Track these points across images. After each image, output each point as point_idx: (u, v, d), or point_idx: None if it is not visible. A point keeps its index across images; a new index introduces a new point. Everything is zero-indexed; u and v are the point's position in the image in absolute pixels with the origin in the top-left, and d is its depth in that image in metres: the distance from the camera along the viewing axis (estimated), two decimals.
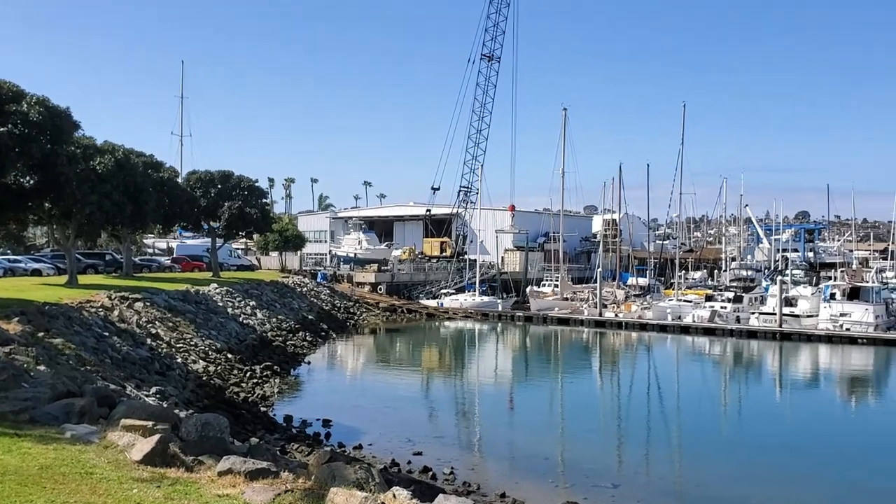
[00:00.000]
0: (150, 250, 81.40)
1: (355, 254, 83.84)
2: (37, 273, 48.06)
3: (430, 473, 19.14)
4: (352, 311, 63.85)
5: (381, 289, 73.12)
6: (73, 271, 39.61)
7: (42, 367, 17.85)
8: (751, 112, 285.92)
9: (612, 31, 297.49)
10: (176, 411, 16.38)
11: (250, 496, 7.73)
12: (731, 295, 60.93)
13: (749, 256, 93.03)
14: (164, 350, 28.78)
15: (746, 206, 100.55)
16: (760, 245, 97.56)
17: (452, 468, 20.07)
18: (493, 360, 49.19)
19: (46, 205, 32.41)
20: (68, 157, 29.66)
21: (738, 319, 56.01)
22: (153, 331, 30.43)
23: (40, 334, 21.74)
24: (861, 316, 51.29)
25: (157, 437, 9.42)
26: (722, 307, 57.89)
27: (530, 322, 62.32)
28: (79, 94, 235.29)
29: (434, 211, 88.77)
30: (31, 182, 27.98)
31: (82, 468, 8.48)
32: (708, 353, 50.22)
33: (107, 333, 26.32)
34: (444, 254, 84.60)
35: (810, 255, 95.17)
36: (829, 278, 63.52)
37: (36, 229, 73.65)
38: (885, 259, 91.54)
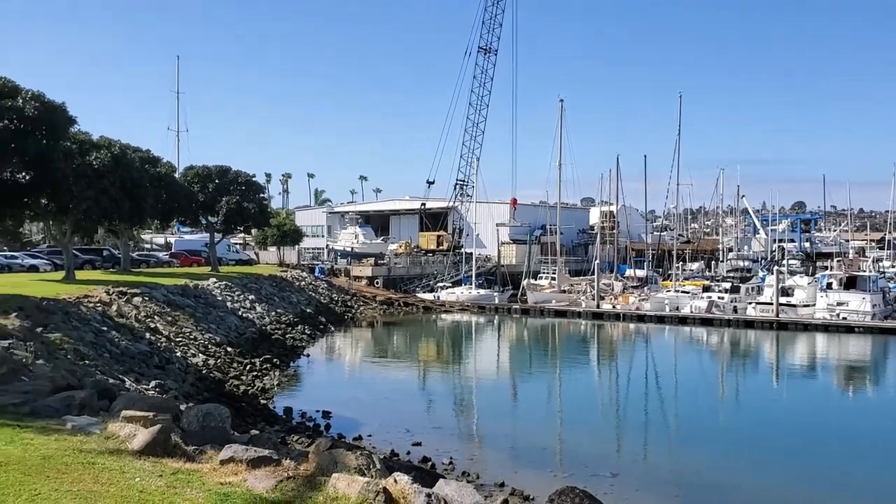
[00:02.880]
0: (149, 245, 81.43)
1: (352, 248, 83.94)
2: (34, 269, 48.05)
3: (430, 463, 19.20)
4: (349, 304, 63.93)
5: (378, 282, 73.20)
6: (70, 267, 39.61)
7: (41, 362, 17.89)
8: (747, 103, 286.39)
9: (608, 22, 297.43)
10: (176, 403, 16.40)
11: (253, 483, 7.79)
12: (728, 285, 61.14)
13: (746, 247, 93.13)
14: (164, 344, 28.83)
15: (743, 196, 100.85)
16: (757, 236, 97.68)
17: (451, 458, 20.15)
18: (491, 353, 49.28)
19: (43, 201, 32.44)
20: (64, 152, 29.68)
21: (735, 310, 56.20)
22: (152, 325, 30.47)
23: (38, 329, 21.78)
24: (858, 305, 51.47)
25: (157, 427, 9.48)
26: (719, 298, 58.08)
27: (527, 315, 62.37)
28: (74, 89, 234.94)
29: (429, 204, 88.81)
30: (27, 178, 28.00)
31: (84, 458, 8.53)
32: (705, 344, 50.35)
33: (105, 328, 26.36)
34: (440, 247, 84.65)
35: (807, 245, 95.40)
36: (826, 268, 63.67)
37: (32, 225, 73.59)
38: (882, 249, 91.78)
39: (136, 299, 32.83)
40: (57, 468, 7.96)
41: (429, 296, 69.83)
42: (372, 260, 78.06)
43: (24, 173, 27.80)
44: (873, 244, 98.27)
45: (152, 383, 22.03)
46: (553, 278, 70.48)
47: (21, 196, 28.68)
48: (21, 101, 26.16)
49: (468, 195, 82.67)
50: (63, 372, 17.47)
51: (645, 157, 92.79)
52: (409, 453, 20.41)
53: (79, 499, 6.91)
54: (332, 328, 52.10)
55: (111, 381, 19.00)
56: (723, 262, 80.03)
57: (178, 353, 28.70)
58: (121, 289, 33.56)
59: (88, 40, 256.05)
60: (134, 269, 50.70)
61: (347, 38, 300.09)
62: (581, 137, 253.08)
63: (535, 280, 70.73)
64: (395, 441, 21.71)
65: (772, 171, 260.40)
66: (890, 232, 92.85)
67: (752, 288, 60.62)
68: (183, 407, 13.93)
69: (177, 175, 54.41)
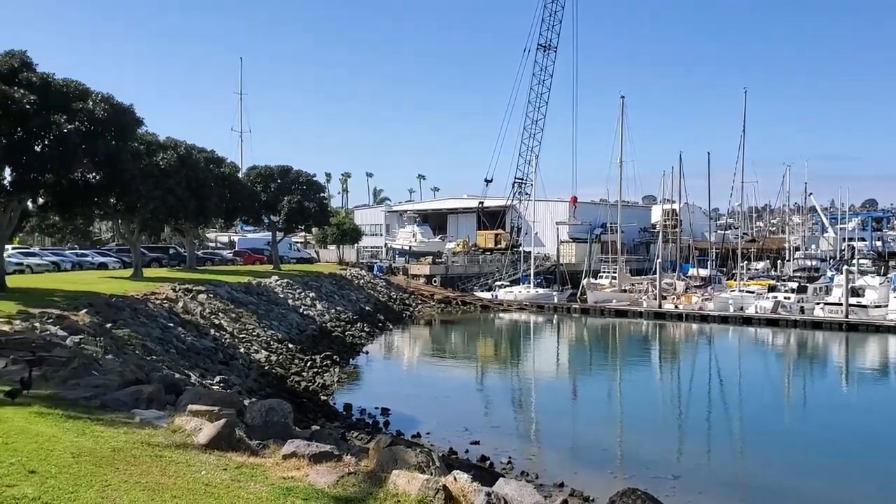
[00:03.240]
0: (213, 244, 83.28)
1: (410, 246, 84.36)
2: (103, 266, 49.53)
3: (489, 462, 19.17)
4: (407, 302, 64.29)
5: (435, 281, 73.41)
6: (138, 264, 40.68)
7: (110, 357, 18.44)
8: (816, 98, 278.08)
9: (669, 18, 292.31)
10: (240, 398, 16.70)
11: (314, 478, 7.86)
12: (794, 285, 59.49)
13: (813, 246, 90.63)
14: (227, 340, 29.41)
15: (811, 194, 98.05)
16: (825, 234, 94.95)
17: (510, 457, 20.06)
18: (550, 352, 48.94)
19: (112, 200, 33.38)
20: (132, 153, 30.50)
21: (802, 310, 54.63)
22: (216, 322, 31.10)
23: (108, 325, 22.43)
24: None
25: (222, 421, 9.64)
26: (786, 298, 56.57)
27: (587, 314, 61.77)
28: (141, 91, 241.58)
29: (487, 203, 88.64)
30: (97, 178, 28.82)
31: (152, 451, 8.72)
32: (771, 345, 49.11)
33: (171, 324, 27.01)
34: (498, 246, 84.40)
35: (878, 244, 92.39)
36: None
37: (102, 224, 75.97)
38: None
39: (201, 296, 33.55)
40: (126, 460, 8.16)
41: (487, 294, 69.72)
42: (430, 258, 78.30)
43: (94, 173, 28.64)
44: None
45: (217, 378, 22.47)
46: (614, 277, 69.57)
47: (91, 195, 29.55)
48: (91, 103, 26.94)
49: (527, 193, 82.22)
50: (131, 367, 17.98)
51: (708, 153, 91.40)
52: (467, 452, 20.40)
53: (147, 491, 7.07)
54: (391, 326, 52.44)
55: (177, 375, 19.45)
56: (789, 261, 77.98)
57: (242, 350, 29.24)
58: (186, 286, 34.34)
59: (151, 42, 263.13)
60: (199, 266, 51.85)
61: (406, 36, 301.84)
62: (642, 135, 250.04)
63: (595, 279, 69.95)
64: (454, 439, 21.71)
65: (841, 168, 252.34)
66: None
67: (820, 288, 58.86)
68: (246, 402, 14.18)
69: (240, 175, 55.51)
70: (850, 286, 52.86)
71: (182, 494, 7.03)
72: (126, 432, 9.61)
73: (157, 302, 29.33)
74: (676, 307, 59.92)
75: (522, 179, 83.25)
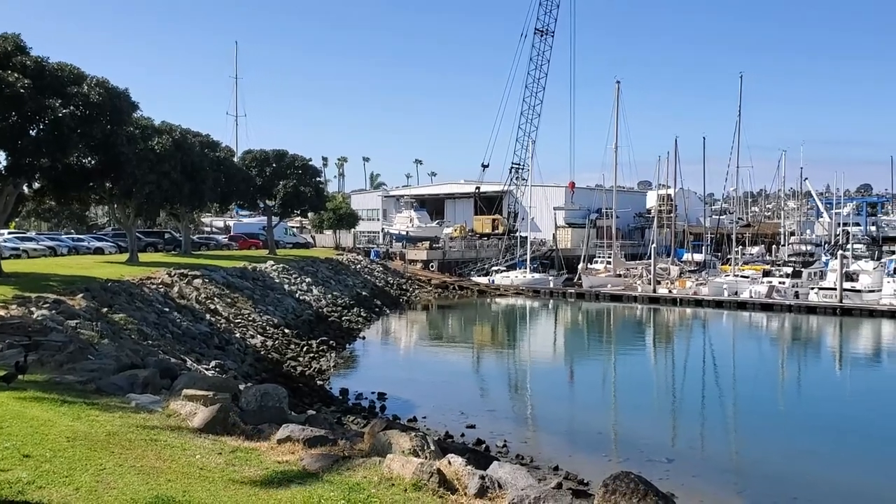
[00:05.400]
0: (208, 229, 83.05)
1: (407, 231, 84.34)
2: (99, 251, 49.39)
3: (484, 446, 19.28)
4: (404, 287, 64.36)
5: (432, 266, 73.48)
6: (133, 249, 40.62)
7: (106, 341, 18.47)
8: (810, 83, 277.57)
9: (667, 3, 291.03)
10: (236, 383, 16.74)
11: (309, 462, 7.90)
12: (789, 270, 59.65)
13: (808, 231, 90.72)
14: (223, 325, 29.44)
15: (806, 179, 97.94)
16: (820, 219, 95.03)
17: (506, 441, 20.19)
18: (546, 337, 49.08)
19: (107, 184, 33.22)
20: (128, 137, 30.35)
21: (796, 295, 54.82)
22: (212, 306, 31.12)
23: (104, 310, 22.45)
24: None
25: (217, 405, 9.69)
26: (780, 282, 56.74)
27: (582, 299, 61.95)
28: (136, 75, 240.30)
29: (484, 188, 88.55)
30: (93, 162, 28.70)
31: (147, 435, 8.76)
32: (765, 329, 49.32)
33: (167, 309, 27.03)
34: (495, 231, 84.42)
35: (873, 229, 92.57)
36: (893, 252, 61.65)
37: (98, 209, 75.82)
38: None
39: (197, 281, 33.55)
40: (121, 444, 8.20)
41: (483, 279, 69.84)
42: (427, 243, 78.33)
43: (89, 158, 28.52)
44: None
45: (212, 363, 22.52)
46: (609, 262, 69.75)
47: (87, 180, 29.41)
48: (86, 87, 26.78)
49: (524, 179, 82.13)
50: (127, 351, 18.02)
51: (704, 138, 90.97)
52: (463, 435, 20.51)
53: (142, 474, 7.11)
54: (388, 311, 52.52)
55: (173, 360, 19.49)
56: (784, 246, 78.11)
57: (237, 335, 29.28)
58: (182, 271, 34.32)
59: (147, 26, 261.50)
60: (194, 251, 51.77)
61: (404, 19, 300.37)
62: (638, 119, 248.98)
63: (591, 264, 70.09)
64: (450, 423, 21.83)
65: (836, 153, 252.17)
66: None
67: (815, 273, 59.04)
68: (242, 387, 14.20)
69: (235, 159, 55.31)
70: (844, 271, 53.02)
71: (177, 478, 7.07)
72: (121, 416, 9.65)
73: (153, 287, 29.33)
74: (671, 292, 60.10)
75: (519, 165, 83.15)
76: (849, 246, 69.16)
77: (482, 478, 7.44)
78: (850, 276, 54.08)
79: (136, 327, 22.39)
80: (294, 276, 46.86)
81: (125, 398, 10.94)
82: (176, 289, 30.62)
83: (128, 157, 29.97)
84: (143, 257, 41.76)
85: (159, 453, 8.00)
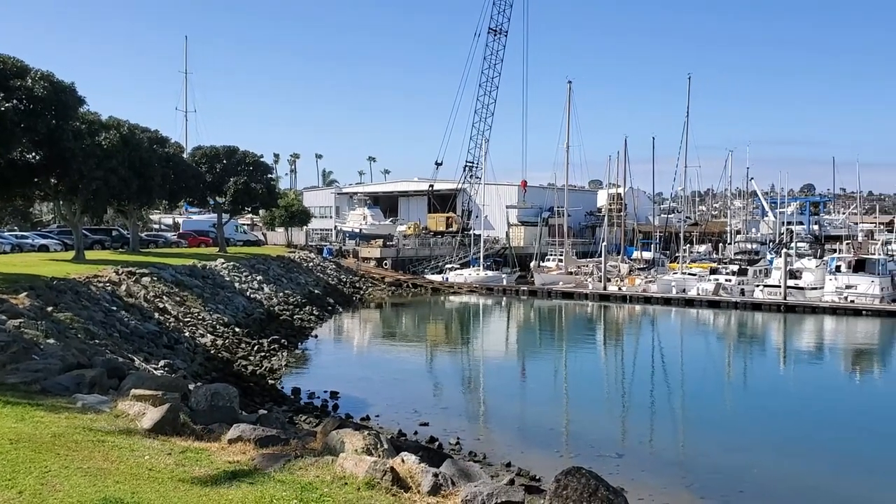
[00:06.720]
0: (157, 226, 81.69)
1: (360, 229, 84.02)
2: (44, 249, 48.24)
3: (437, 443, 19.32)
4: (357, 285, 64.10)
5: (386, 264, 73.31)
6: (79, 247, 39.74)
7: (51, 341, 18.02)
8: (757, 85, 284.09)
9: (618, 3, 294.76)
10: (185, 382, 16.52)
11: (261, 462, 7.85)
12: (735, 268, 61.05)
13: (754, 230, 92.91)
14: (172, 324, 28.97)
15: (752, 179, 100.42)
16: (765, 218, 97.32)
17: (459, 438, 20.28)
18: (498, 334, 49.37)
19: (52, 180, 32.49)
20: (73, 132, 29.67)
21: (742, 292, 56.12)
22: (161, 305, 30.61)
23: (49, 308, 21.90)
24: (866, 288, 51.33)
25: (167, 405, 9.56)
26: (726, 280, 57.99)
27: (535, 296, 62.45)
28: (82, 69, 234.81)
29: (438, 186, 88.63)
30: (37, 158, 28.05)
31: (94, 436, 8.61)
32: (712, 326, 50.33)
33: (115, 308, 26.49)
34: (449, 229, 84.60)
35: (815, 227, 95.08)
36: (835, 251, 63.50)
37: (42, 205, 73.88)
38: (891, 231, 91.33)
39: (145, 279, 32.96)
40: (67, 446, 8.04)
41: (437, 277, 69.91)
42: (380, 241, 78.11)
43: (34, 153, 27.86)
44: (882, 227, 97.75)
45: (161, 363, 22.15)
46: (560, 260, 70.45)
47: (31, 176, 28.76)
48: (30, 80, 26.11)
49: (477, 177, 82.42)
50: (73, 351, 17.61)
51: (653, 138, 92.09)
52: (416, 433, 20.53)
53: (88, 476, 6.98)
54: (340, 309, 52.26)
55: (121, 360, 19.11)
56: (730, 244, 79.86)
57: (187, 333, 28.85)
58: (130, 269, 33.68)
59: (94, 21, 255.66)
60: (142, 249, 50.87)
61: (357, 17, 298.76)
62: (591, 119, 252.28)
63: (543, 262, 70.72)
64: (403, 421, 21.83)
65: (781, 153, 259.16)
66: None
67: (760, 270, 60.47)
68: (191, 386, 14.02)
69: (185, 155, 54.40)
70: (788, 269, 54.40)
71: (125, 479, 6.97)
72: (67, 417, 9.46)
73: (100, 285, 28.72)
74: (620, 289, 60.98)
75: (473, 163, 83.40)
76: (792, 244, 70.98)
77: (435, 475, 7.48)
78: (793, 274, 55.51)
79: (83, 326, 21.90)
80: (245, 274, 46.33)
81: (71, 398, 10.72)
82: (124, 287, 30.04)
83: (74, 152, 29.33)
84: (89, 255, 40.88)
85: (107, 454, 7.86)
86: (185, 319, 30.72)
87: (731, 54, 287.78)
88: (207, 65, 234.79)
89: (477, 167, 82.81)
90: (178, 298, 33.16)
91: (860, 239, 76.31)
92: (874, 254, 58.05)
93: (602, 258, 63.15)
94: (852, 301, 51.04)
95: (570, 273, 67.20)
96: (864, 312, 49.60)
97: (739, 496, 16.72)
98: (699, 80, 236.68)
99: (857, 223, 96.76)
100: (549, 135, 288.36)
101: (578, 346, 42.89)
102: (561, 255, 71.15)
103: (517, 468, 17.54)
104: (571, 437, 21.79)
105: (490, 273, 69.03)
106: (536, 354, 40.75)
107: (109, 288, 28.93)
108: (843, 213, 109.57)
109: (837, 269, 54.07)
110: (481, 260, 70.74)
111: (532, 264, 68.22)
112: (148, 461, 7.74)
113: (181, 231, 72.82)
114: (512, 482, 15.42)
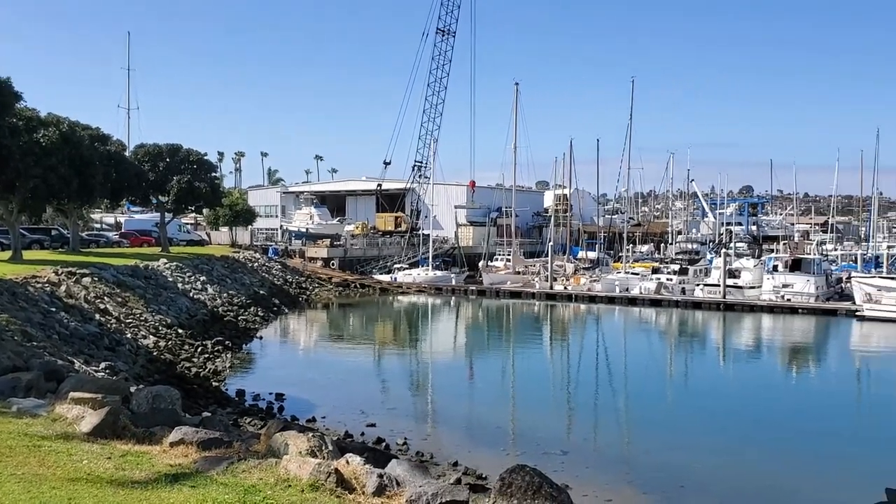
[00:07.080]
0: (98, 225, 79.80)
1: (307, 229, 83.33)
2: None
3: (384, 444, 19.31)
4: (304, 286, 63.55)
5: (333, 264, 72.85)
6: (17, 247, 38.63)
7: None
8: (698, 88, 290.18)
9: (564, 6, 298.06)
10: (126, 384, 16.22)
11: (203, 465, 7.78)
12: (676, 267, 62.41)
13: (694, 230, 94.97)
14: (114, 325, 28.37)
15: (692, 180, 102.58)
16: (705, 219, 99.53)
17: (406, 439, 20.30)
18: (447, 334, 49.55)
19: None
20: (10, 129, 28.90)
21: (683, 291, 57.36)
22: (102, 306, 29.95)
23: None
24: (802, 287, 52.90)
25: (106, 409, 9.40)
26: (668, 279, 59.20)
27: (483, 296, 62.82)
28: (19, 64, 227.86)
29: (386, 186, 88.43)
30: None
31: (30, 441, 8.42)
32: (654, 324, 51.28)
33: (54, 309, 25.84)
34: (398, 229, 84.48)
35: (753, 228, 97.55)
36: (772, 251, 65.31)
37: None
38: (826, 232, 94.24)
39: (86, 280, 32.20)
40: (0, 451, 7.85)
41: (385, 277, 69.75)
42: (327, 241, 77.56)
43: None
44: (818, 228, 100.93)
45: (102, 365, 21.69)
46: (509, 260, 71.02)
47: None
48: None
49: (426, 177, 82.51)
50: (9, 353, 17.14)
51: (598, 140, 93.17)
52: (363, 434, 20.49)
53: (23, 482, 6.83)
54: (286, 310, 51.80)
55: (60, 362, 18.64)
56: (672, 244, 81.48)
57: (129, 335, 28.28)
58: (70, 269, 32.87)
59: (34, 14, 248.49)
60: (83, 249, 49.68)
61: (305, 15, 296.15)
62: (537, 120, 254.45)
63: (492, 262, 71.17)
64: (349, 422, 21.76)
65: (721, 155, 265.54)
66: (833, 216, 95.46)
67: (700, 270, 61.92)
68: (133, 389, 13.78)
69: (127, 153, 53.30)
70: (727, 268, 55.75)
71: (61, 485, 6.84)
72: (1, 422, 9.23)
73: (38, 285, 27.97)
74: (566, 288, 61.81)
75: (422, 163, 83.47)
76: (731, 244, 72.76)
77: (380, 476, 7.51)
78: (732, 273, 56.92)
79: (20, 328, 21.30)
80: (188, 274, 45.57)
81: (6, 402, 10.46)
82: (63, 288, 29.30)
83: (10, 149, 28.56)
84: (27, 255, 39.75)
85: (43, 460, 7.70)
86: (127, 321, 30.12)
87: (673, 58, 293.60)
88: (151, 62, 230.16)
89: (426, 167, 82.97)
90: (119, 299, 32.49)
91: (796, 239, 78.56)
92: (810, 254, 59.94)
93: (549, 258, 63.84)
94: (789, 300, 52.56)
95: (518, 273, 67.80)
96: (799, 311, 51.09)
97: (680, 491, 17.10)
98: (643, 82, 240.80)
99: (793, 224, 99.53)
100: (497, 135, 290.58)
101: (525, 345, 43.29)
102: (509, 255, 71.75)
103: (464, 467, 17.65)
104: (518, 436, 21.99)
105: (439, 273, 69.18)
106: (484, 354, 41.02)
107: (48, 289, 28.20)
108: (781, 214, 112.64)
109: (775, 268, 55.64)
110: (430, 260, 70.84)
111: (480, 264, 68.70)
112: (86, 466, 7.60)
113: (123, 231, 71.28)
114: (458, 481, 15.53)
